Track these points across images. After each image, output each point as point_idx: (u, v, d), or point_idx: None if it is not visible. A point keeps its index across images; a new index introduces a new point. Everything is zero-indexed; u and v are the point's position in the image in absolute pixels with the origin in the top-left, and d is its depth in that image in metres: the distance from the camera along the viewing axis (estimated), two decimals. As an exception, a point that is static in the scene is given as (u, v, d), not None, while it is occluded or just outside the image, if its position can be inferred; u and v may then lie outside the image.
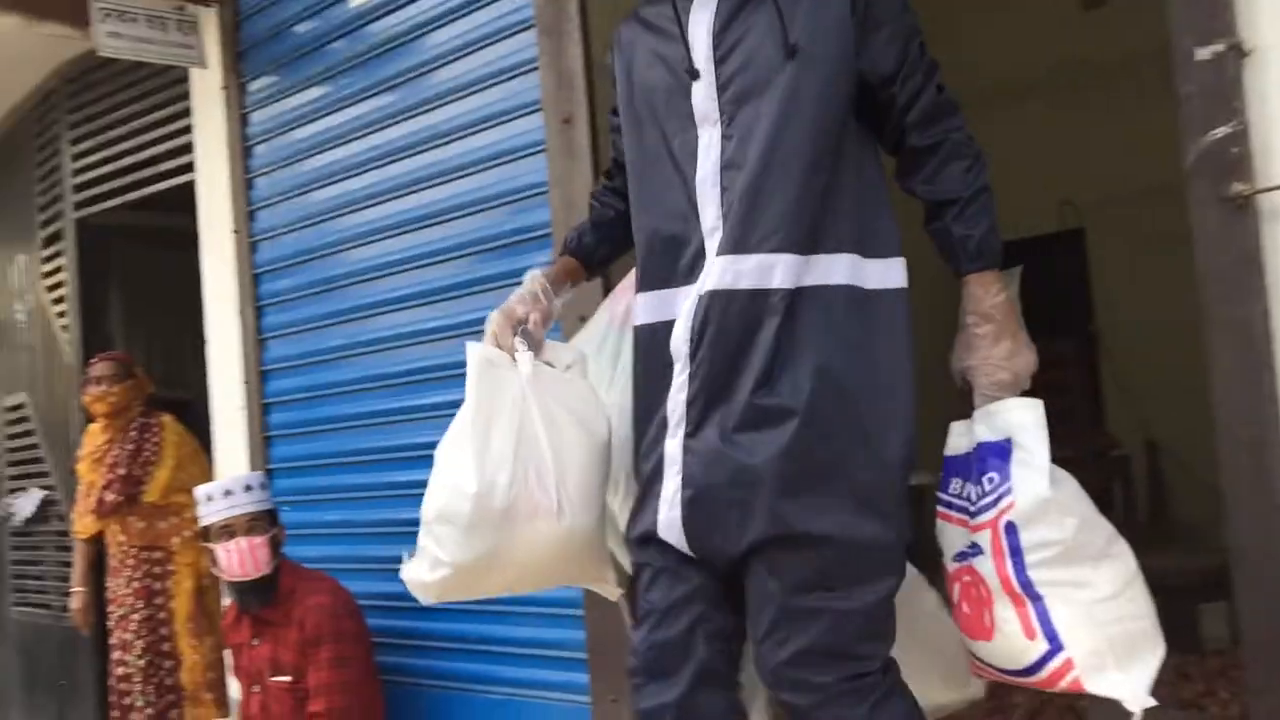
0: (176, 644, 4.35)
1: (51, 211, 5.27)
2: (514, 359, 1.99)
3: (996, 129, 2.88)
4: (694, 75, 1.85)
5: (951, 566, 1.84)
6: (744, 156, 1.79)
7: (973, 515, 1.78)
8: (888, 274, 1.81)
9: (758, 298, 1.76)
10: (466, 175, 3.23)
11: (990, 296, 1.77)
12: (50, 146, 5.26)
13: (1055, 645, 1.72)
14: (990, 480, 1.74)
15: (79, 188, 5.04)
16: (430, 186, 3.35)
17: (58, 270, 5.24)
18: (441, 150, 3.31)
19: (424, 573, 2.01)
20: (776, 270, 1.76)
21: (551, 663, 3.07)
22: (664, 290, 1.89)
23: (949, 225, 1.79)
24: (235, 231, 3.91)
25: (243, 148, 3.94)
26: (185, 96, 4.26)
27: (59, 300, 5.24)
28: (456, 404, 2.97)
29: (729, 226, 1.79)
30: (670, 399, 1.83)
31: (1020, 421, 1.72)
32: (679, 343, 1.82)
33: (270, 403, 3.89)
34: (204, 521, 3.28)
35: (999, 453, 1.73)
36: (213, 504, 3.24)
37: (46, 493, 5.40)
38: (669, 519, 1.82)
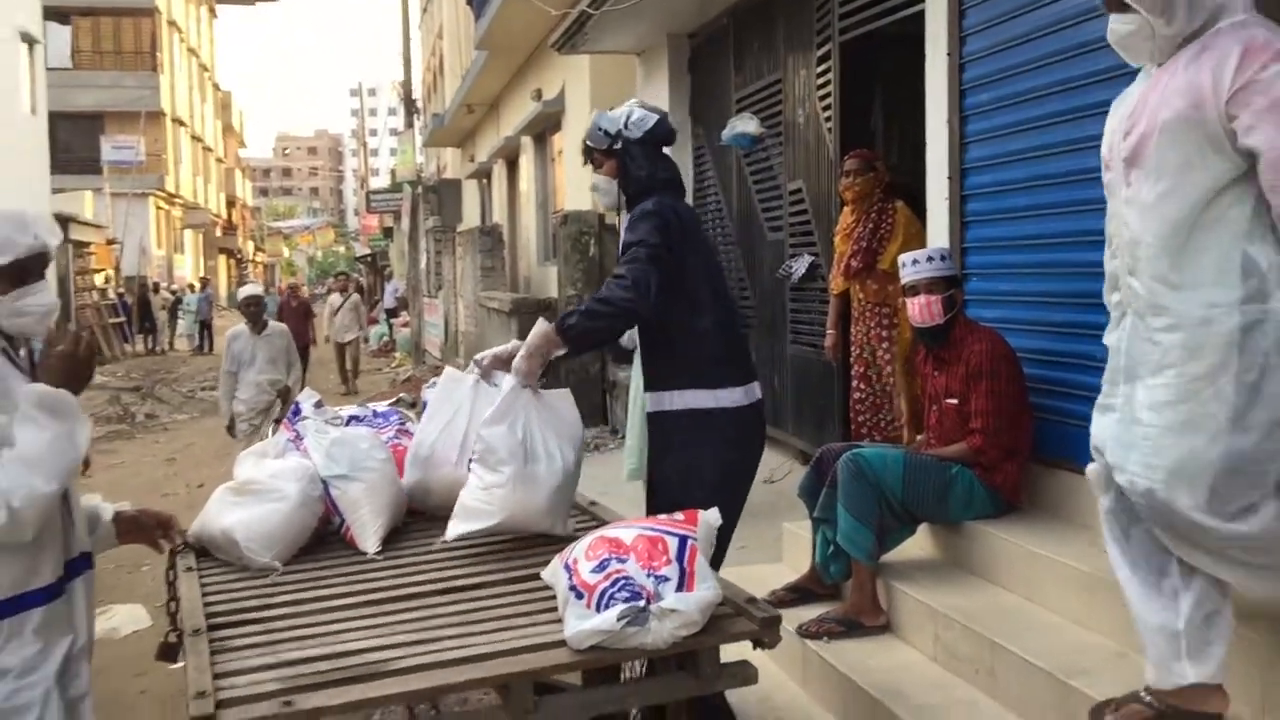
0: (896, 378, 5.59)
1: (822, 36, 6.56)
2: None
3: None
4: None
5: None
6: None
7: None
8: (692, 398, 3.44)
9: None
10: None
11: (537, 337, 3.26)
12: (825, -19, 6.50)
13: None
14: None
15: (843, 16, 6.25)
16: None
17: (826, 83, 6.53)
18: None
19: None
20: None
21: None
22: None
23: (577, 307, 3.37)
24: (949, 54, 4.81)
25: (958, -20, 4.77)
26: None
27: (827, 106, 6.55)
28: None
29: None
30: None
31: (509, 386, 3.27)
32: None
33: (968, 194, 4.81)
34: (902, 281, 4.38)
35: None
36: (906, 269, 4.32)
37: (813, 258, 6.87)
38: None
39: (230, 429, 8.67)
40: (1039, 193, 4.36)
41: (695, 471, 3.41)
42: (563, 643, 2.57)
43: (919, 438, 4.89)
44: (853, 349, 5.88)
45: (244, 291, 9.33)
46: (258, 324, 8.64)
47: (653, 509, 3.47)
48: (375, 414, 3.98)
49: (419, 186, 25.89)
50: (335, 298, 19.42)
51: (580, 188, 12.59)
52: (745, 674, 2.73)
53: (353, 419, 3.84)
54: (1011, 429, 4.12)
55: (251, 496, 3.39)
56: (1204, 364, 2.45)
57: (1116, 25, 2.58)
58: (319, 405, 3.80)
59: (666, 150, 3.66)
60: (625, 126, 3.54)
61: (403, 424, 3.92)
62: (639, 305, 3.29)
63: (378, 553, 3.39)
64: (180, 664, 3.71)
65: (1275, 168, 2.35)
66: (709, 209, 8.89)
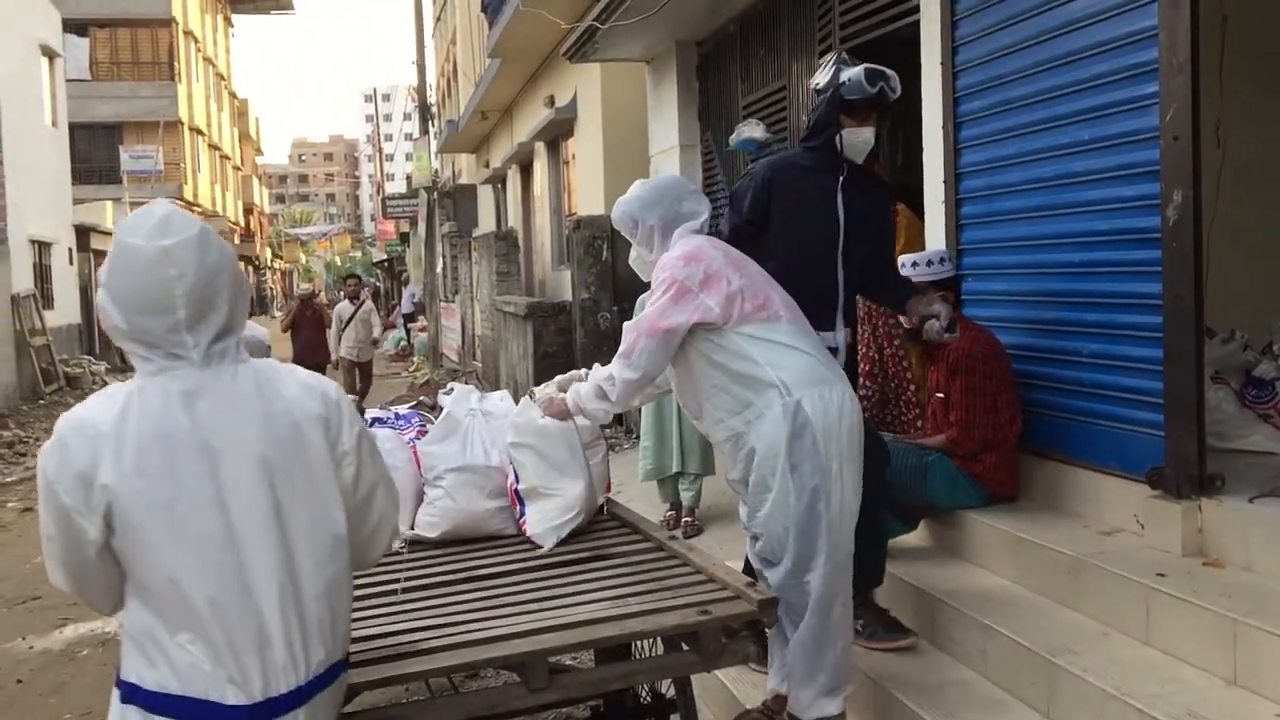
0: (913, 371, 5.77)
1: (825, 44, 6.75)
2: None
3: None
4: None
5: None
6: None
7: None
8: None
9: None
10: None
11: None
12: (826, -9, 6.71)
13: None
14: None
15: (843, 25, 6.44)
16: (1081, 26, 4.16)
17: (829, 90, 6.72)
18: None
19: None
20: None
21: (1137, 405, 3.92)
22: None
23: None
24: (942, 63, 4.99)
25: (951, -8, 4.97)
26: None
27: (830, 113, 6.73)
28: (1106, 200, 3.90)
29: None
30: None
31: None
32: None
33: (963, 198, 4.99)
34: (895, 283, 4.57)
35: None
36: (903, 270, 4.50)
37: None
38: None
39: None
40: (1029, 196, 4.55)
41: None
42: (576, 624, 2.78)
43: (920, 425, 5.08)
44: (860, 348, 6.05)
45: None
46: None
47: None
48: (397, 416, 4.20)
49: (435, 192, 26.15)
50: (344, 306, 14.63)
51: (593, 192, 12.79)
52: (745, 650, 2.94)
53: (375, 421, 4.06)
54: (988, 423, 4.32)
55: (283, 494, 3.60)
56: None
57: (631, 255, 3.54)
58: (344, 408, 4.01)
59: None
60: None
61: (423, 426, 4.14)
62: None
63: (401, 547, 3.60)
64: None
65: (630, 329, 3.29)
66: (718, 212, 9.06)
